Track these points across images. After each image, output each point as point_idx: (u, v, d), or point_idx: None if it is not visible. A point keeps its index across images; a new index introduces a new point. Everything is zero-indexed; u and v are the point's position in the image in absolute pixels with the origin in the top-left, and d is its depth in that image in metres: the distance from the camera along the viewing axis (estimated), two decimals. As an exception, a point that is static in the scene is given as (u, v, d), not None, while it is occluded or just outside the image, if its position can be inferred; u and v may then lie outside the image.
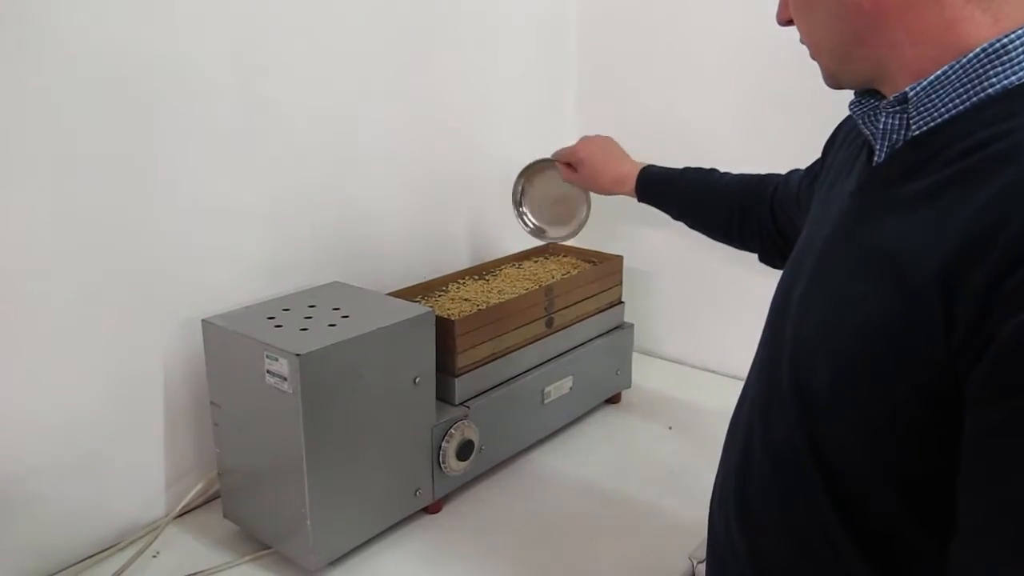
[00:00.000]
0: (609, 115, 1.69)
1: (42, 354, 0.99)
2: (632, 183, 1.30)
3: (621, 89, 1.67)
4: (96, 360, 1.04)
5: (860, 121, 0.69)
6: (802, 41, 0.72)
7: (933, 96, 0.61)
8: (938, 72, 0.60)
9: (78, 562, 1.04)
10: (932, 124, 0.62)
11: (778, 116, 1.45)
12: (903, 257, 0.59)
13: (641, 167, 1.31)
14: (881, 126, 0.65)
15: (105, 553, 1.06)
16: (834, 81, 0.71)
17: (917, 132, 0.63)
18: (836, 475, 0.65)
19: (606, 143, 1.37)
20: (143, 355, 1.09)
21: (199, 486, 1.12)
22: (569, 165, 1.37)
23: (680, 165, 1.51)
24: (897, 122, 0.64)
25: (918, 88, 0.62)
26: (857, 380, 0.61)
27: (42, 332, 0.99)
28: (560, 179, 1.38)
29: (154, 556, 1.06)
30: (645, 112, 1.63)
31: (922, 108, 0.62)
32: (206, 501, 1.16)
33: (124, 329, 1.06)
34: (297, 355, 0.92)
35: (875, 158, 0.67)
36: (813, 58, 0.72)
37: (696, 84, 1.56)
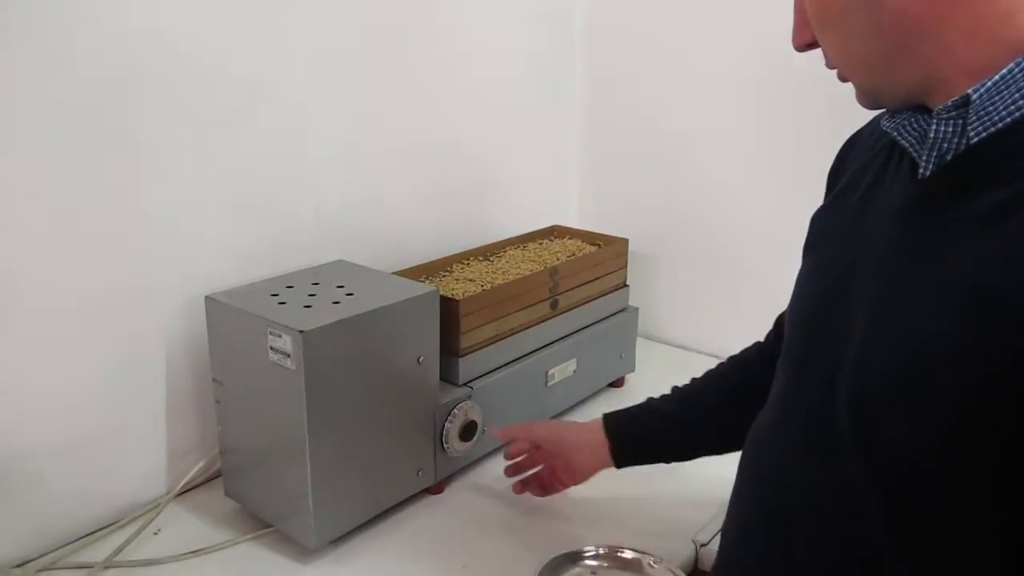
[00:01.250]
0: (612, 92, 1.68)
1: (43, 332, 0.98)
2: (599, 427, 1.06)
3: (625, 69, 1.66)
4: (98, 338, 1.03)
5: (896, 134, 0.64)
6: (829, 65, 0.67)
7: (996, 98, 0.56)
8: (1003, 71, 0.56)
9: (79, 539, 1.04)
10: (992, 130, 0.57)
11: (778, 119, 1.44)
12: (992, 288, 0.54)
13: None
14: (932, 135, 0.60)
15: (106, 530, 1.06)
16: (872, 99, 0.66)
17: (976, 140, 0.58)
18: (909, 525, 0.60)
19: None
20: (145, 333, 1.08)
21: (200, 464, 1.12)
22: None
23: (681, 161, 1.47)
24: (951, 129, 0.59)
25: (982, 90, 0.56)
26: (947, 432, 0.56)
27: (43, 309, 0.98)
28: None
29: (155, 533, 1.06)
30: (645, 105, 1.62)
31: (982, 112, 0.57)
32: (207, 480, 1.16)
33: (126, 307, 1.05)
34: (300, 331, 0.91)
35: (920, 171, 0.62)
36: (843, 79, 0.67)
37: (698, 87, 1.55)
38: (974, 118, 0.57)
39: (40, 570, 0.99)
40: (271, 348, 0.94)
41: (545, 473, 1.11)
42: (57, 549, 1.02)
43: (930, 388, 0.57)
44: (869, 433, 0.62)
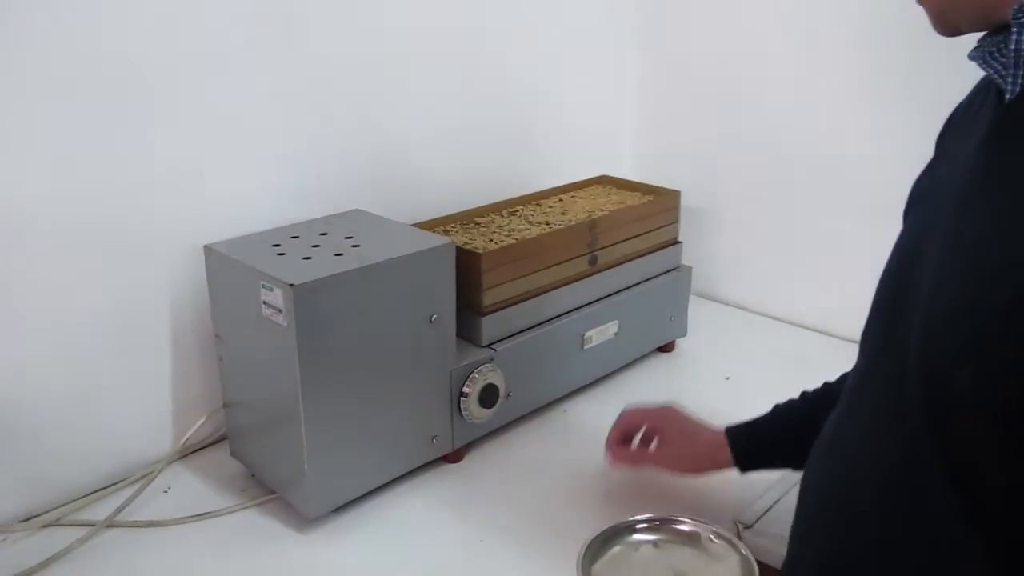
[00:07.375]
0: (667, 50, 1.55)
1: (46, 282, 0.94)
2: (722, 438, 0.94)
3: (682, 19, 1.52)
4: (101, 290, 0.99)
5: (982, 62, 0.59)
6: None
7: None
8: None
9: (87, 495, 1.01)
10: None
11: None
12: None
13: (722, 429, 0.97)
14: (1013, 46, 0.55)
15: (113, 487, 1.02)
16: (943, 22, 0.62)
17: None
18: (978, 505, 0.56)
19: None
20: (150, 284, 1.03)
21: (201, 420, 1.07)
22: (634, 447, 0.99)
23: (747, 111, 1.34)
24: None
25: None
26: (1017, 386, 0.51)
27: (46, 259, 0.94)
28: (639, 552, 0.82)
29: (165, 492, 1.02)
30: (708, 45, 1.49)
31: None
32: (218, 440, 1.11)
33: (130, 257, 1.01)
34: (291, 285, 0.84)
35: (1007, 95, 0.57)
36: (920, 1, 0.63)
37: (770, 29, 1.41)
38: None
39: (44, 526, 0.96)
40: (264, 302, 0.87)
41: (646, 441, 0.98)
42: (63, 505, 0.99)
43: (1000, 330, 0.51)
44: (937, 395, 0.57)
